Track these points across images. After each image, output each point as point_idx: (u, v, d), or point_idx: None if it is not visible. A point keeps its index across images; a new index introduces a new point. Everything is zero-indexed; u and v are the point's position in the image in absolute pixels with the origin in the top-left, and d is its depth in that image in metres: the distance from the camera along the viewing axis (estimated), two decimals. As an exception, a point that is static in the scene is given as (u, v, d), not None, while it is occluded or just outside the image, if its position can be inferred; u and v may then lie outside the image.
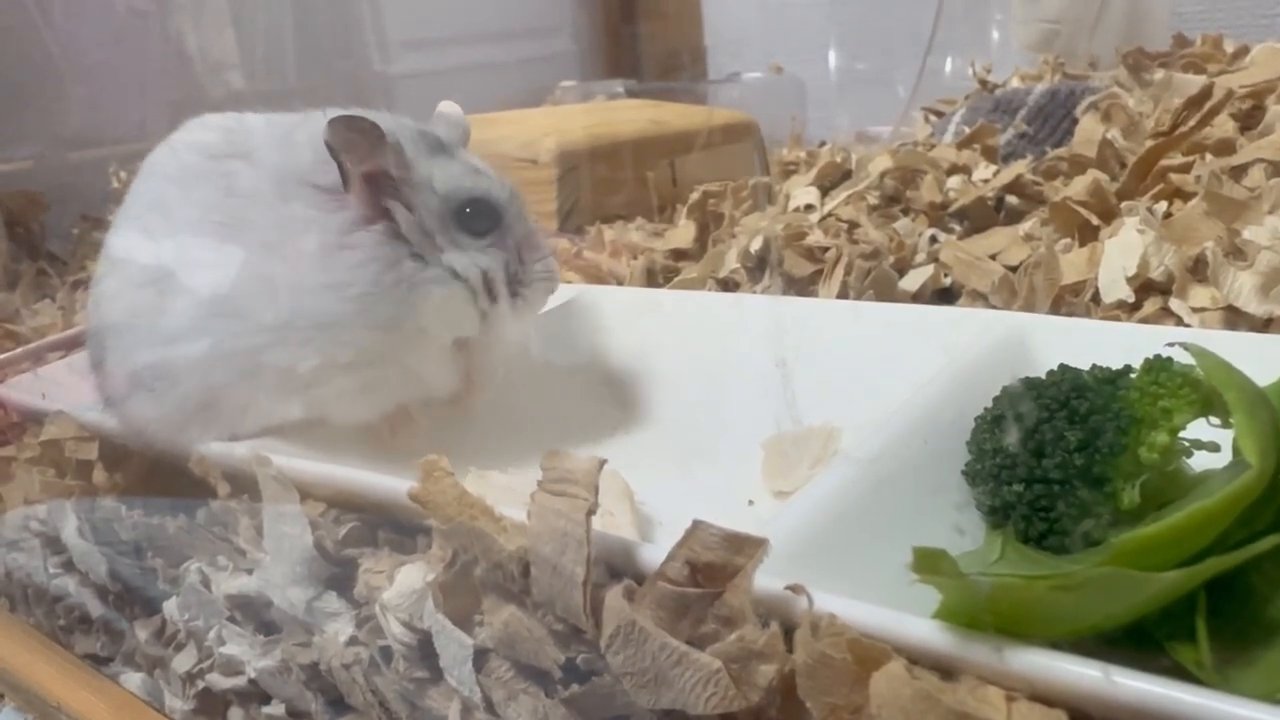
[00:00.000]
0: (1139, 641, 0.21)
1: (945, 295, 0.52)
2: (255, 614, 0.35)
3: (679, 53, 1.70)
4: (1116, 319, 0.39)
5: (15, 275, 0.81)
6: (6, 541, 0.46)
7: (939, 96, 0.95)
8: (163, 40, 1.32)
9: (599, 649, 0.24)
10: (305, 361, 0.34)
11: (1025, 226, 0.56)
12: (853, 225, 0.50)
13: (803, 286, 0.46)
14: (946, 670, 0.21)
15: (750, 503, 0.35)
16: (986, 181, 0.64)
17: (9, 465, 0.45)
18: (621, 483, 0.33)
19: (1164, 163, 0.51)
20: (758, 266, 0.46)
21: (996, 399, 0.30)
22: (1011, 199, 0.62)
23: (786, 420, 0.37)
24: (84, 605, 0.42)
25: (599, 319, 0.45)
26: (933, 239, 0.57)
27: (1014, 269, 0.50)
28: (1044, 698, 0.19)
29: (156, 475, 0.43)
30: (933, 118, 0.88)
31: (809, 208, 0.61)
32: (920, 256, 0.54)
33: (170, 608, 0.38)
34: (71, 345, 0.65)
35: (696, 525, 0.22)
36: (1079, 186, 0.51)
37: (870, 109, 1.34)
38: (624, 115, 0.91)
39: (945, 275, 0.52)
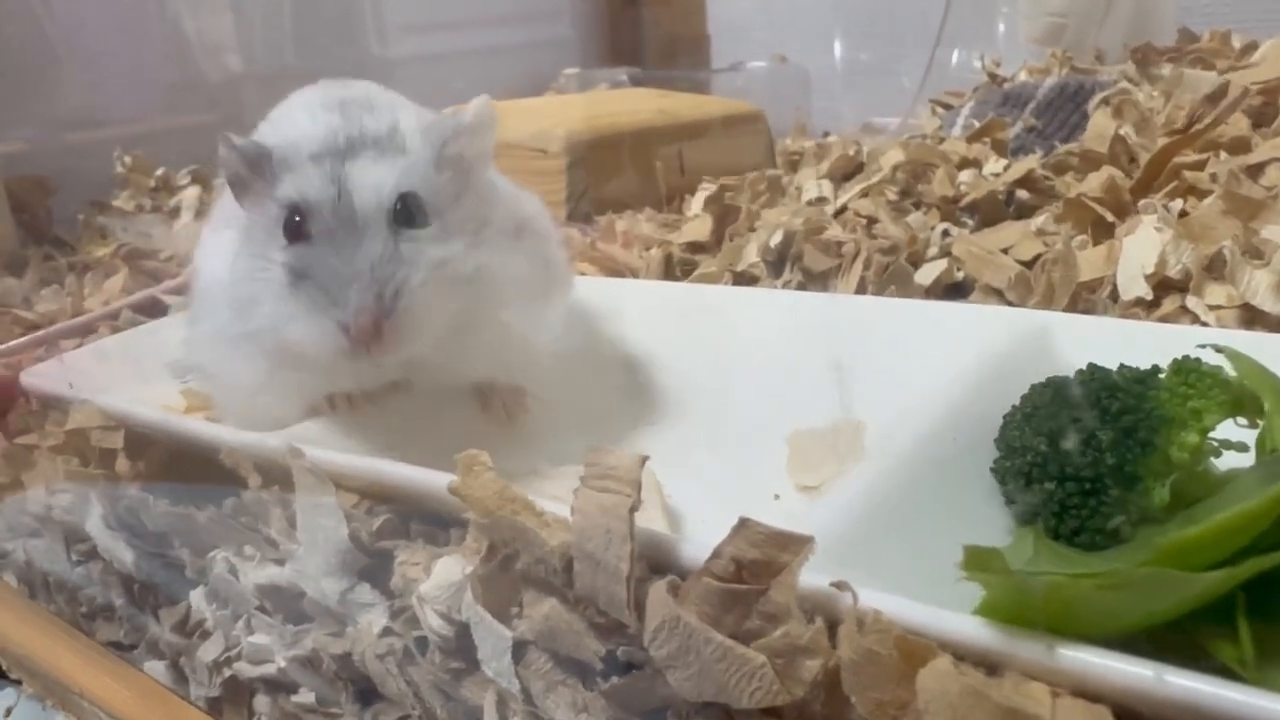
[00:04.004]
0: (1174, 638, 0.22)
1: (958, 289, 0.52)
2: (285, 604, 0.35)
3: (680, 39, 1.70)
4: (1135, 316, 0.40)
5: (23, 260, 0.81)
6: (28, 529, 0.46)
7: (946, 89, 0.95)
8: (161, 22, 1.32)
9: (641, 643, 0.24)
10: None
11: (1037, 221, 0.56)
12: (871, 220, 0.50)
13: (821, 281, 0.46)
14: (988, 666, 0.21)
15: (776, 497, 0.35)
16: (997, 175, 0.64)
17: (31, 453, 0.45)
18: (650, 476, 0.33)
19: (1178, 159, 0.52)
20: (777, 261, 0.46)
21: (1025, 397, 0.31)
22: (1022, 193, 0.62)
23: (813, 414, 0.37)
24: (107, 593, 0.43)
25: (621, 312, 0.45)
26: (945, 233, 0.57)
27: (1026, 264, 0.50)
28: (1088, 694, 0.20)
29: (178, 464, 0.43)
30: (940, 110, 0.88)
31: (821, 200, 0.61)
32: (933, 250, 0.54)
33: (197, 597, 0.39)
34: (85, 331, 0.65)
35: (743, 522, 0.23)
36: (1094, 183, 0.51)
37: (873, 99, 1.34)
38: (632, 105, 0.91)
39: (958, 269, 0.52)
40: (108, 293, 0.76)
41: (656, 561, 0.25)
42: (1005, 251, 0.53)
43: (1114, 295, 0.43)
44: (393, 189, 0.36)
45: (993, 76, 0.84)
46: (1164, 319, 0.39)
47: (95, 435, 0.40)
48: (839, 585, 0.22)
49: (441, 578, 0.28)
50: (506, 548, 0.27)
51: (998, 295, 0.50)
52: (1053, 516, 0.27)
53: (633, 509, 0.24)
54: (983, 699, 0.19)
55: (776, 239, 0.46)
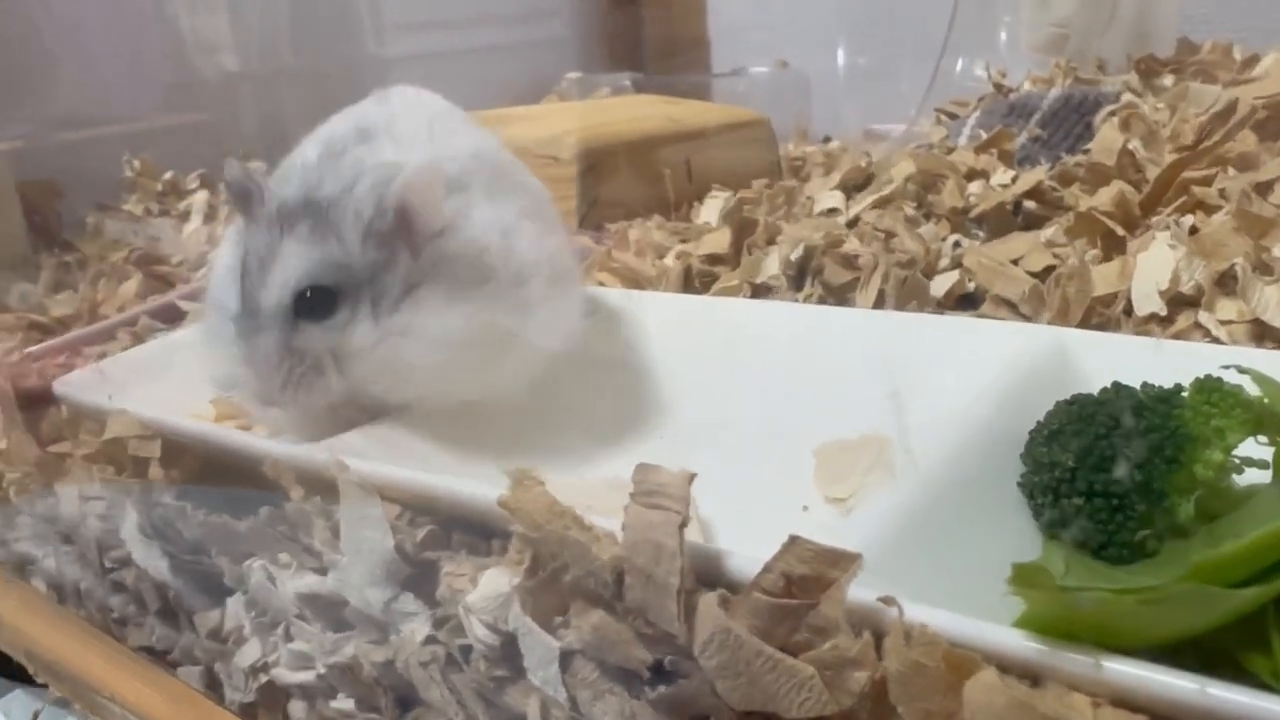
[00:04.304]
0: (1205, 653, 0.23)
1: (969, 300, 0.53)
2: (325, 612, 0.36)
3: (679, 41, 1.70)
4: (1150, 332, 0.41)
5: (35, 264, 0.81)
6: (60, 536, 0.47)
7: (949, 97, 0.96)
8: (156, 20, 1.32)
9: (689, 653, 0.25)
10: None
11: (1047, 233, 0.57)
12: (889, 235, 0.51)
13: (840, 294, 0.47)
14: (1030, 678, 0.22)
15: (805, 508, 0.36)
16: (1006, 187, 0.65)
17: (63, 461, 0.46)
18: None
19: (1186, 174, 0.53)
20: (798, 274, 0.47)
21: (1050, 414, 0.32)
22: (1029, 204, 0.63)
23: (838, 428, 0.38)
24: (141, 599, 0.43)
25: (644, 324, 0.46)
26: (956, 244, 0.58)
27: (1036, 275, 0.51)
28: (1128, 705, 0.21)
29: (210, 473, 0.44)
30: (945, 119, 0.89)
31: (833, 211, 0.62)
32: (944, 262, 0.55)
33: (234, 604, 0.39)
34: (105, 337, 0.66)
35: (793, 540, 0.24)
36: (1105, 197, 0.52)
37: (871, 104, 1.35)
38: (640, 112, 0.92)
39: (970, 280, 0.53)
40: (122, 298, 0.77)
41: (703, 574, 0.26)
42: (1015, 263, 0.54)
43: (1128, 310, 0.44)
44: (295, 284, 0.38)
45: (998, 87, 0.85)
46: (1178, 334, 0.40)
47: (133, 445, 0.41)
48: (886, 600, 0.23)
49: (489, 589, 0.29)
50: (555, 560, 0.28)
51: (1008, 306, 0.51)
52: (1080, 530, 0.28)
53: (682, 525, 0.25)
54: (1029, 710, 0.20)
55: (797, 253, 0.47)
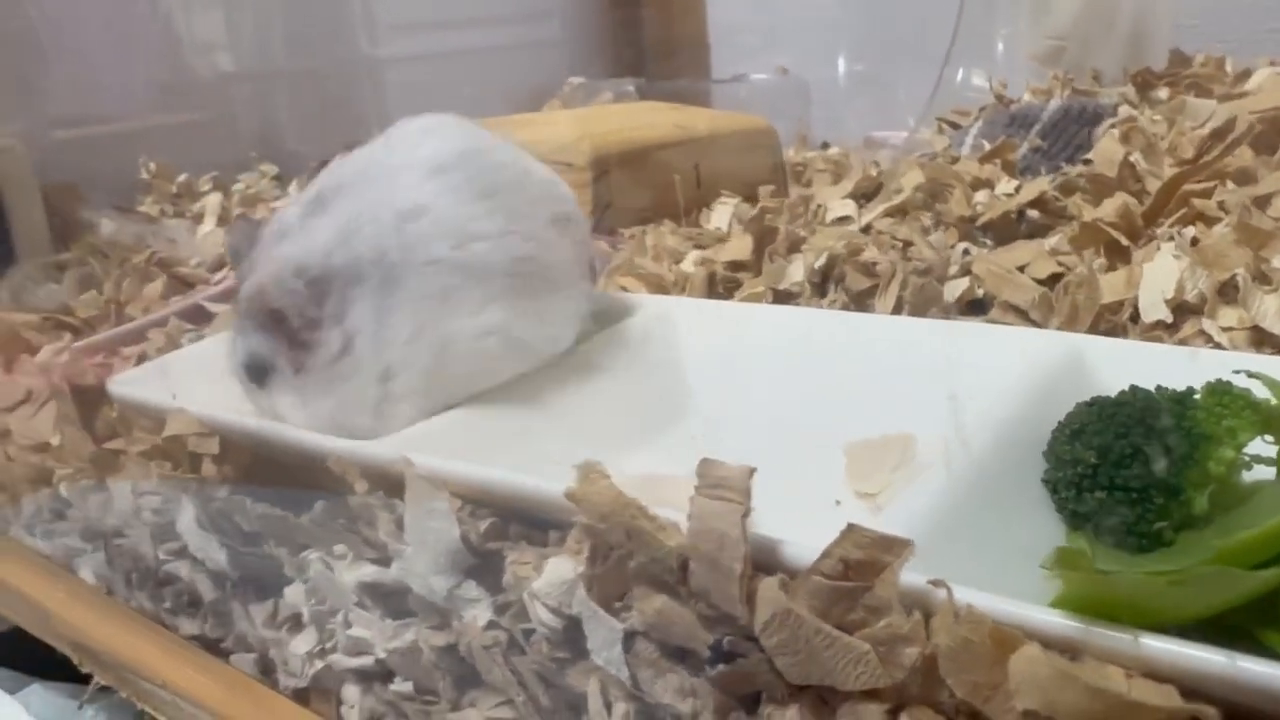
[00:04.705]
0: (1223, 629, 0.25)
1: (977, 306, 0.56)
2: (384, 600, 0.38)
3: (672, 44, 1.72)
4: (1158, 338, 0.43)
5: (59, 266, 0.83)
6: (111, 530, 0.49)
7: (949, 106, 0.99)
8: (150, 19, 1.33)
9: (747, 633, 0.28)
10: None
11: (1051, 242, 0.60)
12: (906, 244, 0.53)
13: (860, 300, 0.50)
14: (1066, 653, 0.24)
15: (837, 503, 0.38)
16: (1010, 196, 0.68)
17: (117, 457, 0.47)
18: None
19: (1186, 187, 0.55)
20: (821, 281, 0.50)
21: (1071, 415, 0.34)
22: (1033, 213, 0.66)
23: (864, 429, 0.41)
24: (194, 590, 0.45)
25: (674, 328, 0.48)
26: (965, 251, 0.61)
27: (1042, 282, 0.54)
28: (1158, 677, 0.23)
29: (259, 469, 0.46)
30: (947, 128, 0.91)
31: (845, 219, 0.65)
32: (954, 269, 0.57)
33: (292, 592, 0.41)
34: (137, 337, 0.68)
35: (850, 527, 0.26)
36: (1109, 209, 0.55)
37: (867, 111, 1.38)
38: (650, 118, 0.94)
39: (979, 287, 0.56)
40: (147, 299, 0.79)
41: (758, 560, 0.28)
42: (1021, 270, 0.56)
43: (1134, 317, 0.47)
44: (242, 358, 0.45)
45: (1000, 98, 0.87)
46: (1183, 341, 0.43)
47: (192, 442, 0.43)
48: (935, 583, 0.25)
49: (554, 575, 0.31)
50: (620, 548, 0.30)
51: (1016, 312, 0.53)
52: (1103, 522, 0.31)
53: (745, 515, 0.27)
54: (1072, 680, 0.23)
55: (821, 261, 0.49)
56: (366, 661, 0.39)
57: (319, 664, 0.41)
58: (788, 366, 0.45)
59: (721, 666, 0.29)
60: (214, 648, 0.46)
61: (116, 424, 0.48)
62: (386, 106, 1.50)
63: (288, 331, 0.43)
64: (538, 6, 1.65)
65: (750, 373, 0.46)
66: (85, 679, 1.02)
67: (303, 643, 0.41)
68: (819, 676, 0.26)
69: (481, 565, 0.35)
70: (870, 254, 0.51)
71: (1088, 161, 0.75)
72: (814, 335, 0.45)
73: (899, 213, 0.64)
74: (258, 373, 0.45)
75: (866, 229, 0.63)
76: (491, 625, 0.34)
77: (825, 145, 1.17)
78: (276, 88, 1.39)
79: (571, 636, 0.32)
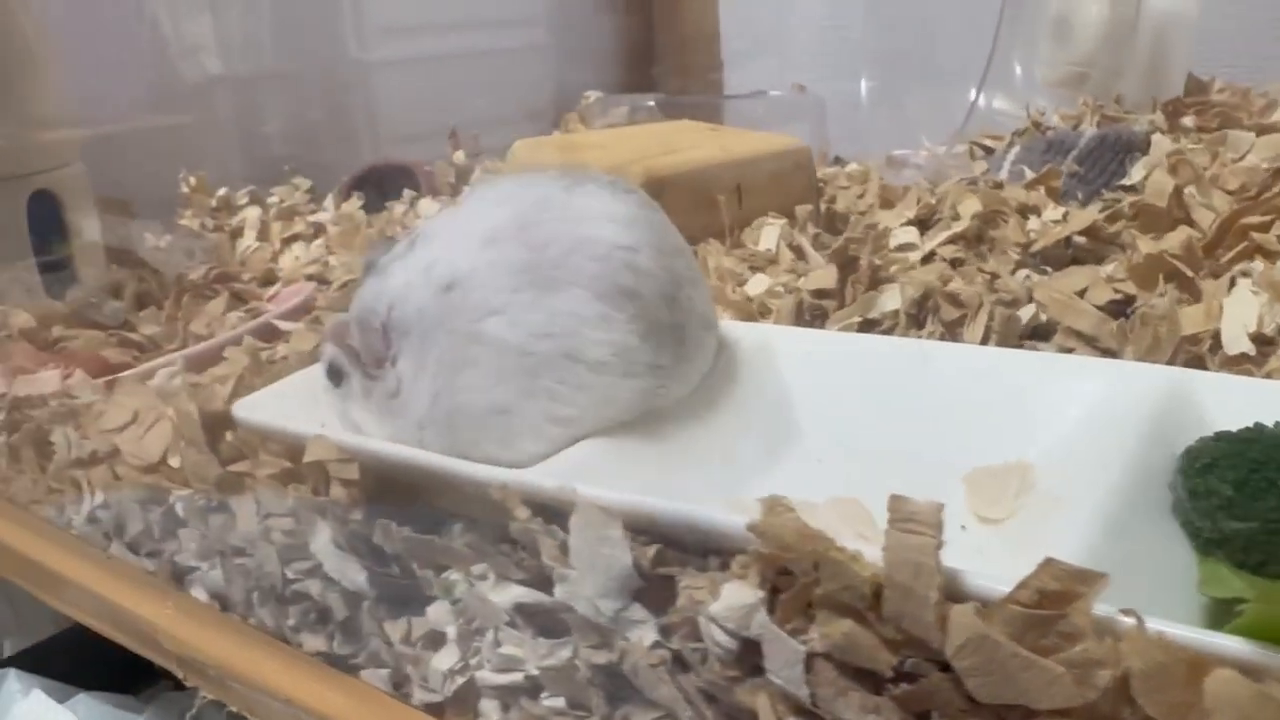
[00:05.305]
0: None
1: (1040, 332, 0.58)
2: (536, 619, 0.40)
3: (666, 48, 1.74)
4: (1247, 371, 0.46)
5: (117, 283, 0.84)
6: (232, 549, 0.50)
7: (976, 129, 1.02)
8: (138, 22, 1.34)
9: (936, 655, 0.30)
10: None
11: (1106, 269, 0.63)
12: (994, 275, 0.56)
13: (951, 330, 0.52)
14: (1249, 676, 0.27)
15: (963, 528, 0.41)
16: (1057, 223, 0.71)
17: (242, 480, 0.49)
18: (865, 511, 0.39)
19: (1244, 221, 0.58)
20: (919, 312, 0.52)
21: (1196, 449, 0.37)
22: (1079, 239, 0.69)
23: (974, 457, 0.43)
24: (325, 608, 0.47)
25: (776, 356, 0.51)
26: (1026, 277, 0.64)
27: (1101, 309, 0.57)
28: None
29: (385, 491, 0.48)
30: (979, 151, 0.94)
31: (909, 246, 0.68)
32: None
33: (435, 611, 0.43)
34: (216, 356, 0.69)
35: (1048, 560, 0.28)
36: (1174, 241, 0.58)
37: (877, 129, 1.41)
38: (692, 139, 0.96)
39: (1042, 314, 0.58)
40: (209, 315, 0.80)
41: (945, 589, 0.31)
42: (1080, 295, 0.59)
43: (1212, 349, 0.50)
44: (327, 360, 0.51)
45: (1037, 125, 0.90)
46: (1270, 374, 0.46)
47: (334, 467, 0.45)
48: (1126, 612, 0.28)
49: (733, 600, 0.34)
50: (805, 576, 0.32)
51: (1080, 337, 0.56)
52: (1240, 550, 0.34)
53: (938, 548, 0.30)
54: (1271, 701, 0.25)
55: (918, 292, 0.52)
56: (515, 678, 0.41)
57: (459, 680, 0.43)
58: (893, 395, 0.47)
59: (904, 685, 0.31)
60: (340, 663, 0.48)
61: (242, 447, 0.50)
62: (375, 110, 1.50)
63: (359, 364, 0.49)
64: (524, 11, 1.66)
65: (856, 401, 0.48)
66: (129, 689, 1.03)
67: (444, 659, 0.43)
68: (1011, 696, 0.29)
69: (647, 589, 0.37)
70: (956, 284, 0.54)
71: (1124, 188, 0.78)
72: (913, 364, 0.47)
73: (960, 240, 0.67)
74: (336, 377, 0.50)
75: (929, 256, 0.66)
76: (657, 645, 0.36)
77: (838, 160, 1.20)
78: (262, 91, 1.40)
79: (744, 656, 0.34)
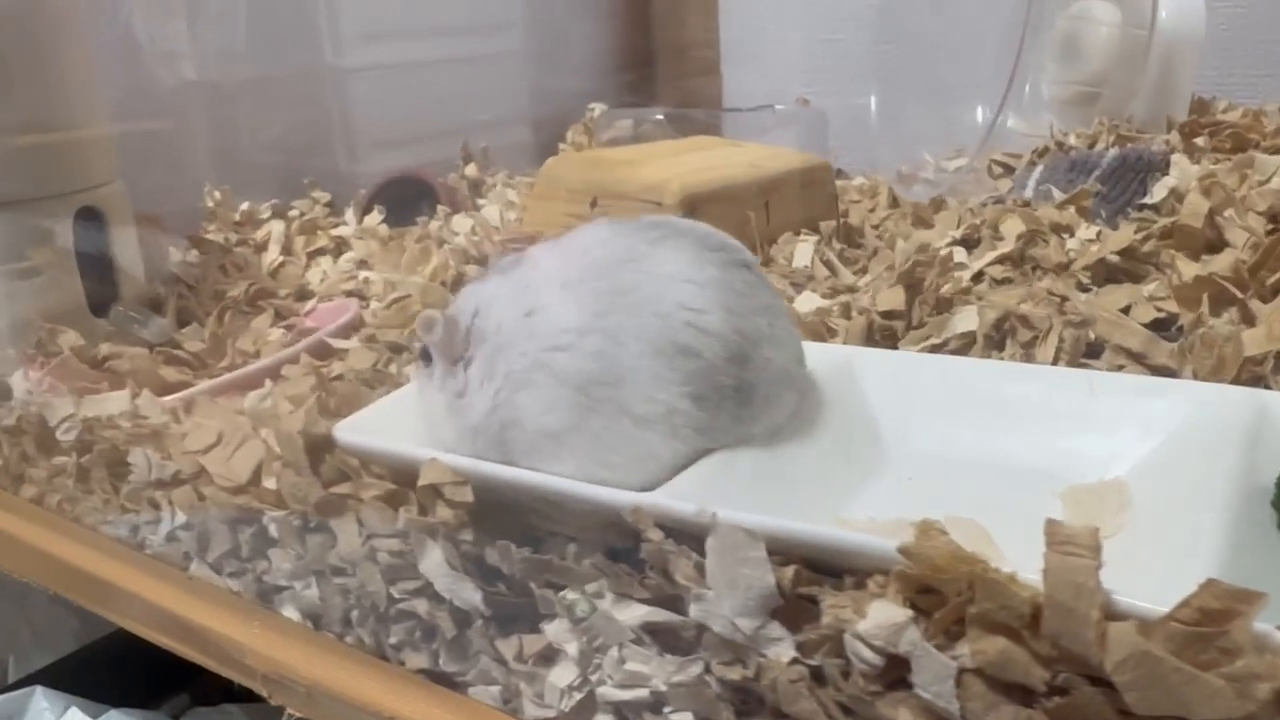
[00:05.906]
0: None
1: (1090, 350, 0.61)
2: (663, 637, 0.41)
3: (668, 55, 1.76)
4: (1315, 390, 0.49)
5: (159, 299, 0.84)
6: (331, 569, 0.51)
7: (992, 147, 1.05)
8: (112, 26, 1.33)
9: (1091, 670, 0.32)
10: None
11: (1149, 288, 0.65)
12: (1063, 299, 0.58)
13: (1024, 350, 0.54)
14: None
15: (1067, 544, 0.43)
16: (1091, 242, 0.73)
17: (344, 501, 0.50)
18: (981, 529, 0.41)
19: (1282, 243, 0.61)
20: (998, 335, 0.54)
21: (1295, 469, 0.39)
22: (1112, 258, 0.71)
23: (1066, 476, 0.45)
24: (433, 627, 0.48)
25: (857, 377, 0.52)
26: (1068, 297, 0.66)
27: (1146, 326, 0.59)
28: None
29: (484, 513, 0.49)
30: (998, 169, 0.97)
31: (959, 266, 0.70)
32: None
33: (554, 629, 0.45)
34: (273, 373, 0.70)
35: (1210, 581, 0.30)
36: (1223, 263, 0.60)
37: (877, 142, 1.44)
38: (721, 156, 0.98)
39: (1090, 332, 0.61)
40: (255, 332, 0.80)
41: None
42: (1124, 313, 0.61)
43: (1275, 369, 0.52)
44: (421, 344, 0.53)
45: (1060, 145, 0.93)
46: (1339, 394, 0.48)
47: (448, 490, 0.46)
48: (1282, 628, 0.30)
49: (881, 618, 0.35)
50: (958, 596, 0.34)
51: (1129, 355, 0.58)
52: (1352, 567, 0.36)
53: (1097, 569, 0.32)
54: None
55: (997, 314, 0.54)
56: (641, 694, 0.42)
57: (578, 695, 0.44)
58: (976, 415, 0.49)
59: (1058, 699, 0.33)
60: (444, 680, 0.49)
61: (342, 467, 0.51)
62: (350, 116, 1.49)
63: (440, 361, 0.52)
64: (500, 17, 1.67)
65: (940, 421, 0.50)
66: (149, 704, 1.03)
67: (563, 675, 0.44)
68: (1171, 709, 0.31)
69: (785, 608, 0.38)
70: (1026, 307, 0.56)
71: (1146, 207, 0.81)
72: (993, 385, 0.49)
73: (1006, 260, 0.69)
74: (426, 358, 0.53)
75: (979, 276, 0.68)
76: (795, 661, 0.38)
77: (840, 174, 1.22)
78: (241, 96, 1.40)
79: (890, 672, 0.36)
